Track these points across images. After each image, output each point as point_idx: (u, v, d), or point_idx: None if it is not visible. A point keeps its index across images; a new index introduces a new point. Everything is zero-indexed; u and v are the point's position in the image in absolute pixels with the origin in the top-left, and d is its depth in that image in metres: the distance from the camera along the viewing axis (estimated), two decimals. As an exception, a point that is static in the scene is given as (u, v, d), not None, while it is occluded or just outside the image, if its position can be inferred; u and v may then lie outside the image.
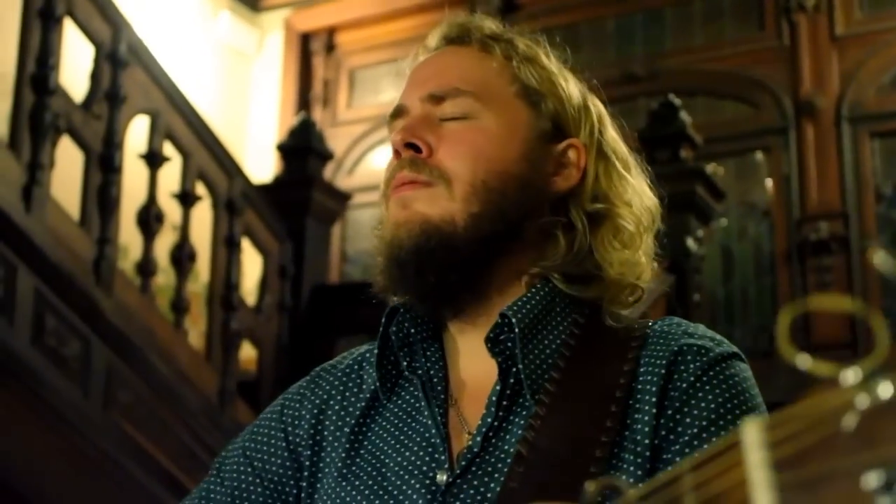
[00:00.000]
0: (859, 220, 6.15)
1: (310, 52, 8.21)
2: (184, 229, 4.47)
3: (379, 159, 7.71)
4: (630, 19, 7.24)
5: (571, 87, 1.40)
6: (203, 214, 4.64)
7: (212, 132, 4.67)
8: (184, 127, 4.51)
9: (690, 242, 4.52)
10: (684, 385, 1.20)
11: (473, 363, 1.33)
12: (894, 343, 0.49)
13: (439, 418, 1.29)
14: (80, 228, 3.96)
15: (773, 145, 6.55)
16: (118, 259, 4.17)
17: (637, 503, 0.61)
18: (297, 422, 1.41)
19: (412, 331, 1.35)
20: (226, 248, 4.65)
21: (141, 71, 4.30)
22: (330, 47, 8.18)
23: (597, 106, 1.43)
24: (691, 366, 1.21)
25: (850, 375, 0.49)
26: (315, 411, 1.40)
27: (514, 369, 1.25)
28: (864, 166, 6.22)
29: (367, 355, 1.44)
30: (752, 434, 0.52)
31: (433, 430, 1.28)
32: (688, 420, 1.18)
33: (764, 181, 6.56)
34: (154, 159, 4.35)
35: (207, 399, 4.34)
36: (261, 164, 7.51)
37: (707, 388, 1.20)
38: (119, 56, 4.15)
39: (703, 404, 1.18)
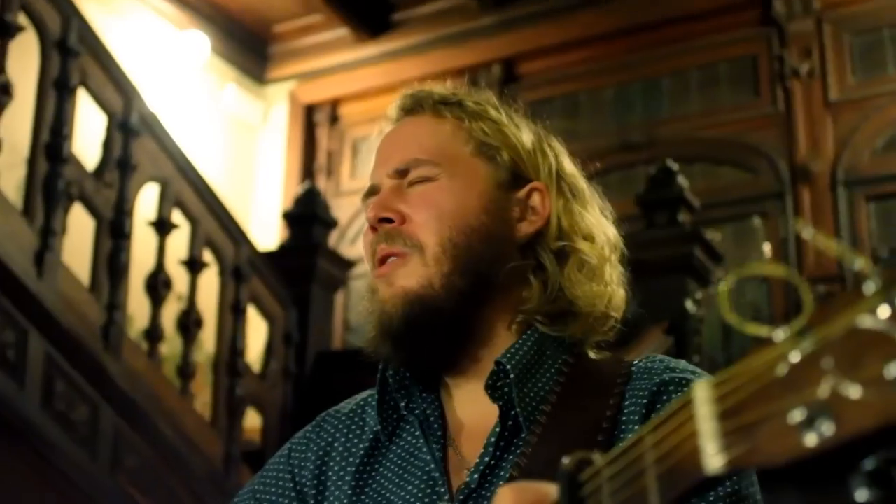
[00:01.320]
0: (857, 283, 6.20)
1: (314, 123, 8.36)
2: (191, 296, 4.55)
3: (382, 227, 7.81)
4: (628, 88, 7.38)
5: (524, 134, 1.49)
6: (209, 281, 4.71)
7: (219, 200, 4.77)
8: (192, 195, 4.61)
9: (689, 305, 4.59)
10: (645, 401, 1.29)
11: (468, 408, 1.42)
12: (818, 307, 0.58)
13: (438, 454, 1.37)
14: (90, 294, 4.04)
15: (770, 210, 6.65)
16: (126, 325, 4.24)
17: (605, 467, 0.69)
18: (303, 464, 1.49)
19: (408, 374, 1.43)
20: (232, 315, 4.73)
21: (151, 140, 4.41)
22: (334, 118, 8.32)
23: (552, 145, 1.52)
24: (673, 396, 1.29)
25: (781, 334, 0.58)
26: (320, 453, 1.48)
27: (513, 412, 1.32)
28: (861, 229, 6.31)
29: (369, 399, 1.52)
30: (701, 391, 0.60)
31: (433, 465, 1.36)
32: None
33: (762, 245, 6.65)
34: (163, 226, 4.44)
35: (212, 464, 4.38)
36: (266, 232, 7.62)
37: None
38: (130, 125, 4.26)
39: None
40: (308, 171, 8.14)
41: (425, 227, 1.39)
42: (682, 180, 4.78)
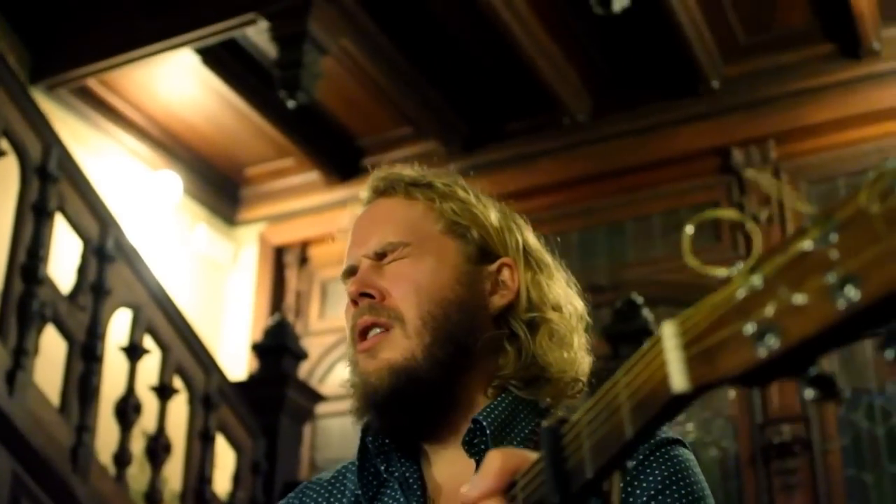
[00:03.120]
0: (820, 423, 6.28)
1: (283, 264, 8.45)
2: (160, 422, 4.55)
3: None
4: (593, 232, 7.54)
5: (491, 213, 1.58)
6: (176, 408, 4.72)
7: (191, 328, 4.82)
8: (164, 322, 4.66)
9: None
10: (632, 464, 1.34)
11: (446, 470, 1.48)
12: (766, 247, 0.66)
13: None
14: (60, 415, 4.04)
15: (734, 351, 6.74)
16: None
17: (582, 415, 0.75)
18: None
19: (386, 441, 1.49)
20: (200, 443, 4.72)
21: (125, 266, 4.48)
22: (303, 260, 8.41)
23: (517, 222, 1.62)
24: (645, 457, 1.36)
25: (735, 271, 0.66)
26: None
27: None
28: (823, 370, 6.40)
29: (349, 466, 1.58)
30: (667, 328, 0.68)
31: None
32: (636, 493, 1.31)
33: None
34: (134, 352, 4.47)
35: None
36: (232, 370, 7.61)
37: (653, 465, 1.35)
38: (106, 251, 4.33)
39: (650, 478, 1.33)
40: (276, 310, 8.19)
41: (404, 301, 1.46)
42: (647, 313, 4.88)
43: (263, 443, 5.08)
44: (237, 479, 4.96)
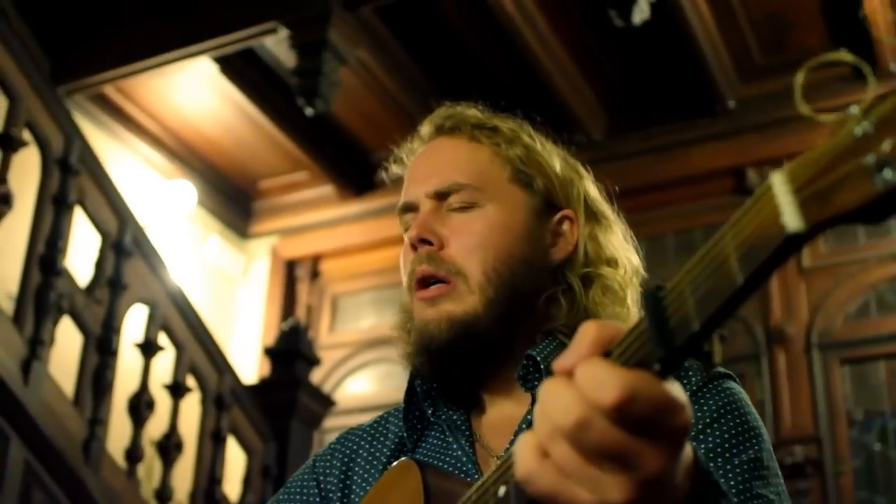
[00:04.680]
0: (833, 445, 6.24)
1: (294, 278, 8.43)
2: (173, 419, 4.52)
3: (359, 385, 7.81)
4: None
5: (555, 161, 1.56)
6: (188, 408, 4.69)
7: (206, 328, 4.80)
8: (179, 320, 4.65)
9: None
10: (688, 393, 1.32)
11: (492, 410, 1.48)
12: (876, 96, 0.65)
13: (468, 448, 1.40)
14: (74, 407, 4.02)
15: (747, 372, 6.70)
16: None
17: (684, 275, 0.73)
18: (328, 471, 1.51)
19: (434, 386, 1.48)
20: (212, 443, 4.70)
21: (142, 263, 4.47)
22: (314, 274, 8.40)
23: (578, 170, 1.60)
24: (693, 378, 1.36)
25: (853, 109, 0.65)
26: (345, 460, 1.52)
27: None
28: (836, 392, 6.37)
29: (392, 412, 1.58)
30: (776, 177, 0.67)
31: (464, 459, 1.39)
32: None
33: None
34: (149, 348, 4.45)
35: None
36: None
37: (707, 396, 1.34)
38: (124, 246, 4.33)
39: (704, 408, 1.32)
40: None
41: (469, 255, 1.44)
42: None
43: (274, 447, 5.05)
44: (247, 482, 4.93)
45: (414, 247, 1.47)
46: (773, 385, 6.55)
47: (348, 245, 8.22)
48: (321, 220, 8.31)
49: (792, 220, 0.65)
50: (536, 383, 1.38)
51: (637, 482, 0.77)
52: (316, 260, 8.41)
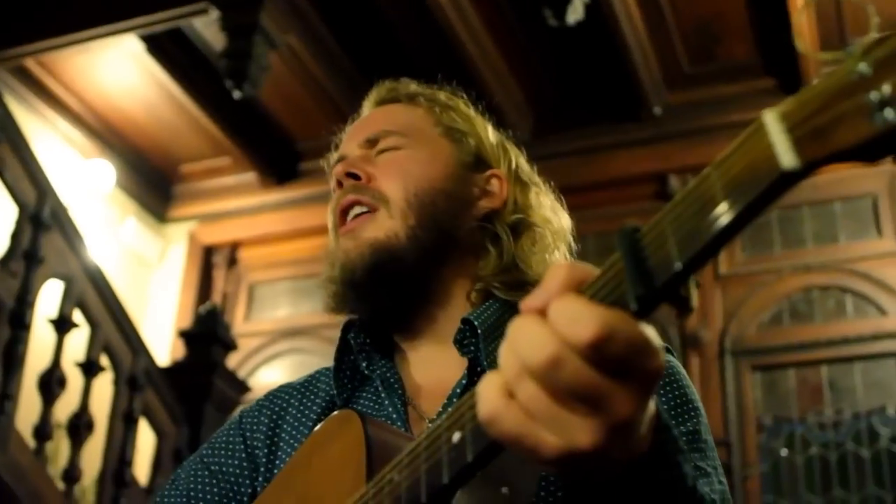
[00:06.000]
0: (741, 449, 6.33)
1: (211, 264, 8.32)
2: (84, 398, 4.43)
3: (272, 374, 7.72)
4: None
5: (489, 130, 1.60)
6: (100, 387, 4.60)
7: (122, 308, 4.71)
8: (95, 298, 4.55)
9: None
10: None
11: (424, 371, 1.46)
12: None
13: (400, 407, 1.38)
14: (-17, 381, 3.91)
15: (660, 375, 6.78)
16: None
17: (664, 215, 0.72)
18: (255, 426, 1.49)
19: (367, 339, 1.46)
20: (123, 424, 4.61)
21: (60, 237, 4.37)
22: (232, 261, 8.29)
23: (511, 146, 1.63)
24: None
25: (847, 54, 0.64)
26: (273, 416, 1.50)
27: (479, 368, 1.35)
28: (746, 397, 6.46)
29: (323, 371, 1.56)
30: (769, 115, 0.66)
31: (394, 417, 1.38)
32: None
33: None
34: (63, 324, 4.35)
35: (89, 577, 4.19)
36: (153, 367, 7.46)
37: None
38: (42, 219, 4.22)
39: None
40: (201, 311, 8.06)
41: (391, 183, 1.46)
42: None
43: (187, 430, 4.97)
44: (157, 464, 4.84)
45: (340, 183, 1.48)
46: (685, 389, 6.62)
47: (268, 233, 8.14)
48: (241, 207, 8.21)
49: (787, 157, 0.64)
50: (473, 348, 1.37)
51: (606, 426, 0.76)
52: (234, 247, 8.31)
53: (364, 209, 1.45)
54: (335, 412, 1.25)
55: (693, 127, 7.07)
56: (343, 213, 1.47)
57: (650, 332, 0.76)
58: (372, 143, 1.52)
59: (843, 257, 6.56)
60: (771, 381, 6.52)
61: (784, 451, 6.23)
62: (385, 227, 1.42)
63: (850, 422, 6.15)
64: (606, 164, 7.29)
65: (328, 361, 1.51)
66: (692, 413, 1.33)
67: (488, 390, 0.80)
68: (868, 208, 6.65)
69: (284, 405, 1.51)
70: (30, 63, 6.94)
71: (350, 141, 1.56)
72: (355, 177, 1.47)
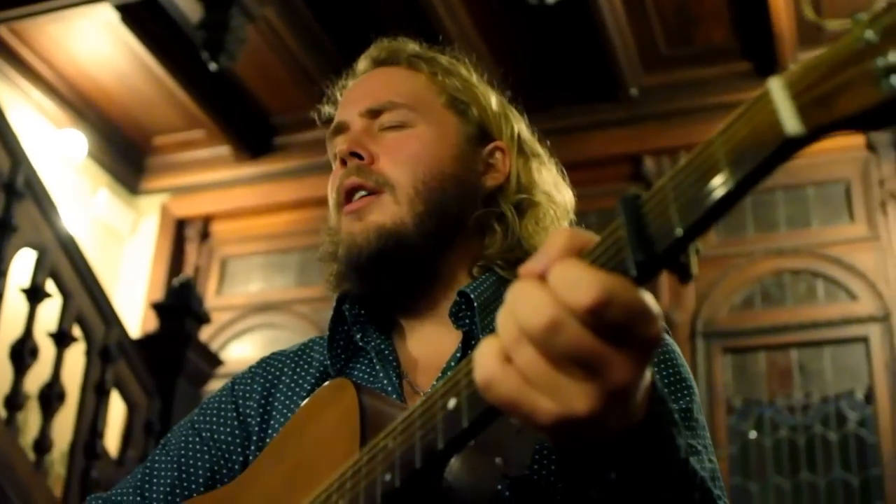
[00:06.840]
0: (711, 431, 6.34)
1: (184, 237, 8.28)
2: (56, 369, 4.40)
3: (243, 349, 7.70)
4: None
5: (491, 96, 1.58)
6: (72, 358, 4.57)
7: (95, 278, 4.68)
8: (69, 268, 4.52)
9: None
10: None
11: (420, 346, 1.45)
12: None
13: (395, 380, 1.38)
14: (-46, 349, 3.88)
15: (631, 356, 6.81)
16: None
17: (667, 182, 0.72)
18: (247, 394, 1.48)
19: (363, 312, 1.45)
20: (95, 395, 4.58)
21: (34, 206, 4.34)
22: (204, 235, 8.26)
23: (513, 112, 1.62)
24: None
25: (859, 17, 0.64)
26: (266, 385, 1.49)
27: (474, 341, 1.35)
28: (717, 379, 6.51)
29: (317, 339, 1.55)
30: (774, 82, 0.66)
31: (389, 390, 1.37)
32: None
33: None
34: (36, 294, 4.32)
35: (59, 547, 4.18)
36: (124, 340, 7.42)
37: None
38: (15, 187, 4.19)
39: None
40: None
41: (398, 168, 1.43)
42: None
43: (159, 403, 4.95)
44: (128, 437, 4.82)
45: (343, 162, 1.46)
46: (656, 370, 6.65)
47: (241, 208, 8.10)
48: (215, 180, 8.17)
49: (792, 123, 0.65)
50: (468, 321, 1.37)
51: (603, 392, 0.76)
52: (207, 221, 8.27)
53: (367, 192, 1.43)
54: (329, 381, 1.25)
55: (669, 109, 7.09)
56: (347, 195, 1.45)
57: (649, 298, 0.76)
58: (375, 113, 1.49)
59: (816, 242, 6.60)
60: (741, 364, 6.56)
61: (753, 434, 6.28)
62: (391, 212, 1.41)
63: (819, 405, 6.20)
64: (582, 144, 7.28)
65: (300, 337, 1.51)
66: (686, 391, 1.33)
67: (485, 355, 0.80)
68: (841, 194, 6.70)
69: (277, 373, 1.50)
70: (3, 31, 6.86)
71: (351, 106, 1.52)
72: (359, 157, 1.45)
